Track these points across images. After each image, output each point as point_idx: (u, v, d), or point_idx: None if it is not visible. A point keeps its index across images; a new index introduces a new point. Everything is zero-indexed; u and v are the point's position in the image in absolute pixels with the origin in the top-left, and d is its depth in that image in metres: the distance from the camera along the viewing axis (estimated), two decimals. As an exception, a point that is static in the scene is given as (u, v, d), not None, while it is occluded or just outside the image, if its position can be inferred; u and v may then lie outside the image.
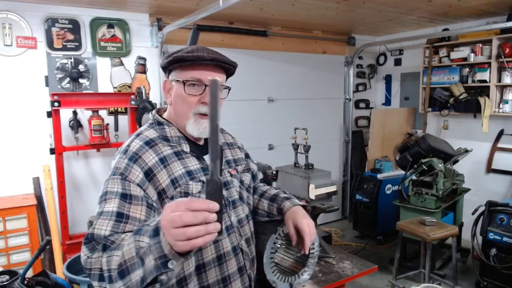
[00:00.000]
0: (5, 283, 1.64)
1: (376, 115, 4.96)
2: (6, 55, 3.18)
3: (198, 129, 1.15)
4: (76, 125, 3.33)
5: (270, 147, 4.67)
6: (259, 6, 3.57)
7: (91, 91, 3.51)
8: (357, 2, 3.48)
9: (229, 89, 1.20)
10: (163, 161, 1.12)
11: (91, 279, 0.93)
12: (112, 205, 1.01)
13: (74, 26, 3.42)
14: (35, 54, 3.29)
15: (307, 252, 1.21)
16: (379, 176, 4.51)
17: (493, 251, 3.16)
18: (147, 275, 0.83)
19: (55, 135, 3.09)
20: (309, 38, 4.87)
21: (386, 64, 5.47)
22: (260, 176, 1.50)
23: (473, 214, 3.42)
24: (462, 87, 4.21)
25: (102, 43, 3.57)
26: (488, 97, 3.98)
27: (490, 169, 4.25)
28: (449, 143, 3.89)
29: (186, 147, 1.18)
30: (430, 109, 4.60)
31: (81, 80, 3.48)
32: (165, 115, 1.25)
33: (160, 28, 3.78)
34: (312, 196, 2.32)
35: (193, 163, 1.16)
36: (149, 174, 1.08)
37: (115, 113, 3.52)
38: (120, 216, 1.00)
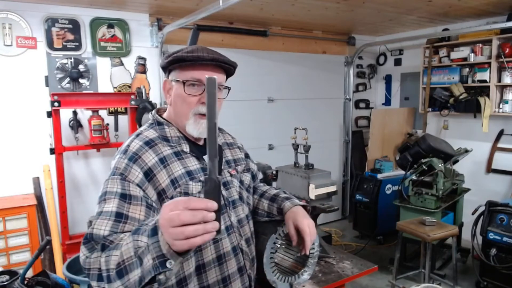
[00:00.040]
0: (5, 283, 1.64)
1: (376, 115, 4.96)
2: (6, 55, 3.18)
3: (198, 129, 1.15)
4: (76, 125, 3.33)
5: (270, 147, 4.67)
6: (259, 6, 3.57)
7: (91, 91, 3.51)
8: (357, 2, 3.48)
9: (229, 89, 1.20)
10: (163, 161, 1.12)
11: (90, 279, 0.93)
12: (112, 205, 1.01)
13: (74, 26, 3.43)
14: (35, 54, 3.29)
15: (307, 253, 1.21)
16: (379, 176, 4.51)
17: (493, 251, 3.16)
18: (145, 275, 0.83)
19: (55, 135, 3.09)
20: (309, 38, 4.87)
21: (386, 64, 5.47)
22: (260, 176, 1.50)
23: (473, 214, 3.42)
24: (462, 87, 4.21)
25: (102, 43, 3.57)
26: (488, 97, 3.98)
27: (490, 169, 4.25)
28: (449, 143, 3.89)
29: (186, 147, 1.18)
30: (430, 109, 4.60)
31: (81, 80, 3.48)
32: (165, 115, 1.25)
33: (160, 28, 3.78)
34: (312, 196, 2.32)
35: (193, 163, 1.16)
36: (149, 174, 1.08)
37: (115, 113, 3.52)
38: (119, 216, 1.00)
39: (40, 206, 3.21)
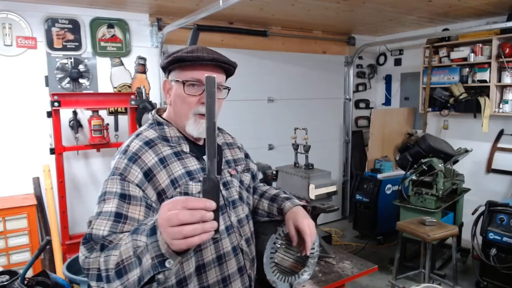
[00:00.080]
0: (5, 283, 1.64)
1: (376, 115, 4.96)
2: (6, 55, 3.18)
3: (198, 129, 1.15)
4: (76, 125, 3.33)
5: (270, 147, 4.67)
6: (259, 6, 3.57)
7: (91, 91, 3.51)
8: (357, 2, 3.48)
9: (229, 89, 1.20)
10: (162, 161, 1.11)
11: (89, 279, 0.93)
12: (111, 205, 1.01)
13: (74, 26, 3.43)
14: (35, 54, 3.29)
15: (308, 254, 1.21)
16: (379, 176, 4.51)
17: (493, 251, 3.16)
18: (144, 274, 0.82)
19: (55, 135, 3.09)
20: (309, 38, 4.87)
21: (386, 64, 5.47)
22: (260, 176, 1.50)
23: (473, 214, 3.42)
24: (462, 87, 4.21)
25: (102, 43, 3.57)
26: (488, 97, 3.98)
27: (490, 169, 4.25)
28: (449, 143, 3.89)
29: (185, 147, 1.18)
30: (430, 109, 4.60)
31: (81, 80, 3.48)
32: (164, 115, 1.25)
33: (160, 28, 3.78)
34: (312, 196, 2.32)
35: (192, 163, 1.16)
36: (149, 175, 1.08)
37: (115, 113, 3.52)
38: (119, 217, 1.00)
39: (40, 206, 3.21)
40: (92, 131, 3.26)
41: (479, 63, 4.08)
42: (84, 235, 0.98)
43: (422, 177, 3.49)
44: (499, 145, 4.17)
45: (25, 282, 1.68)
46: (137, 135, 1.17)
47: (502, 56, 3.81)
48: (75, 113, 3.32)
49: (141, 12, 3.72)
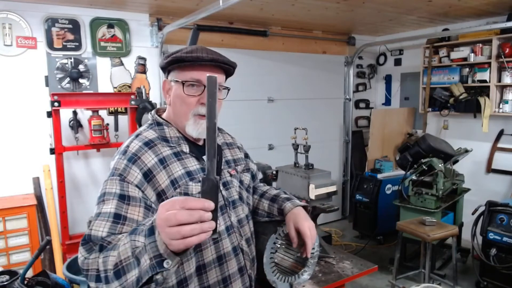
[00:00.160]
0: (5, 283, 1.64)
1: (376, 115, 4.96)
2: (6, 55, 3.18)
3: (198, 130, 1.15)
4: (76, 125, 3.33)
5: (270, 147, 4.67)
6: (259, 6, 3.57)
7: (91, 91, 3.51)
8: (357, 2, 3.48)
9: (228, 90, 1.20)
10: (162, 162, 1.11)
11: (88, 280, 0.93)
12: (110, 206, 1.01)
13: (74, 26, 3.43)
14: (35, 54, 3.29)
15: (309, 256, 1.21)
16: (379, 176, 4.51)
17: (493, 251, 3.16)
18: (142, 275, 0.82)
19: (55, 135, 3.09)
20: (309, 38, 4.87)
21: (386, 64, 5.47)
22: (260, 176, 1.50)
23: (473, 214, 3.42)
24: (462, 87, 4.21)
25: (102, 43, 3.57)
26: (488, 97, 3.98)
27: (490, 169, 4.25)
28: (449, 143, 3.89)
29: (185, 148, 1.18)
30: (430, 109, 4.60)
31: (81, 80, 3.48)
32: (164, 115, 1.24)
33: (160, 28, 3.78)
34: (312, 196, 2.32)
35: (192, 164, 1.16)
36: (148, 175, 1.08)
37: (115, 113, 3.52)
38: (118, 218, 1.00)
39: (40, 206, 3.21)
40: (92, 131, 3.26)
41: (479, 63, 4.08)
42: (83, 236, 0.98)
43: (422, 177, 3.49)
44: (499, 145, 4.17)
45: (25, 282, 1.68)
46: (137, 136, 1.17)
47: (502, 56, 3.81)
48: (75, 113, 3.32)
49: (141, 12, 3.72)
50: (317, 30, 4.89)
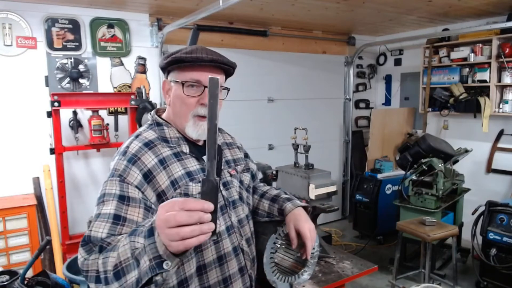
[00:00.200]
0: (5, 283, 1.64)
1: (376, 115, 4.96)
2: (6, 55, 3.18)
3: (197, 131, 1.15)
4: (76, 125, 3.33)
5: (270, 147, 4.67)
6: (259, 6, 3.57)
7: (91, 91, 3.51)
8: (357, 2, 3.48)
9: (228, 90, 1.20)
10: (162, 162, 1.11)
11: (88, 281, 0.93)
12: (110, 207, 1.01)
13: (74, 26, 3.43)
14: (35, 54, 3.29)
15: (309, 257, 1.21)
16: (379, 176, 4.51)
17: (493, 251, 3.16)
18: (142, 276, 0.82)
19: (55, 135, 3.09)
20: (309, 38, 4.87)
21: (386, 64, 5.47)
22: (260, 176, 1.50)
23: (473, 214, 3.42)
24: (462, 87, 4.21)
25: (102, 43, 3.57)
26: (488, 97, 3.98)
27: (490, 169, 4.25)
28: (449, 143, 3.89)
29: (185, 148, 1.18)
30: (430, 109, 4.60)
31: (81, 80, 3.48)
32: (164, 115, 1.24)
33: (160, 28, 3.78)
34: (312, 196, 2.32)
35: (192, 164, 1.16)
36: (148, 176, 1.08)
37: (115, 113, 3.52)
38: (117, 219, 1.00)
39: (40, 206, 3.21)
40: (92, 131, 3.26)
41: (479, 63, 4.08)
42: (83, 237, 0.98)
43: (422, 177, 3.49)
44: (499, 145, 4.17)
45: (25, 282, 1.68)
46: (137, 136, 1.16)
47: (502, 56, 3.81)
48: (75, 113, 3.32)
49: (141, 12, 3.72)
50: (317, 30, 4.89)
